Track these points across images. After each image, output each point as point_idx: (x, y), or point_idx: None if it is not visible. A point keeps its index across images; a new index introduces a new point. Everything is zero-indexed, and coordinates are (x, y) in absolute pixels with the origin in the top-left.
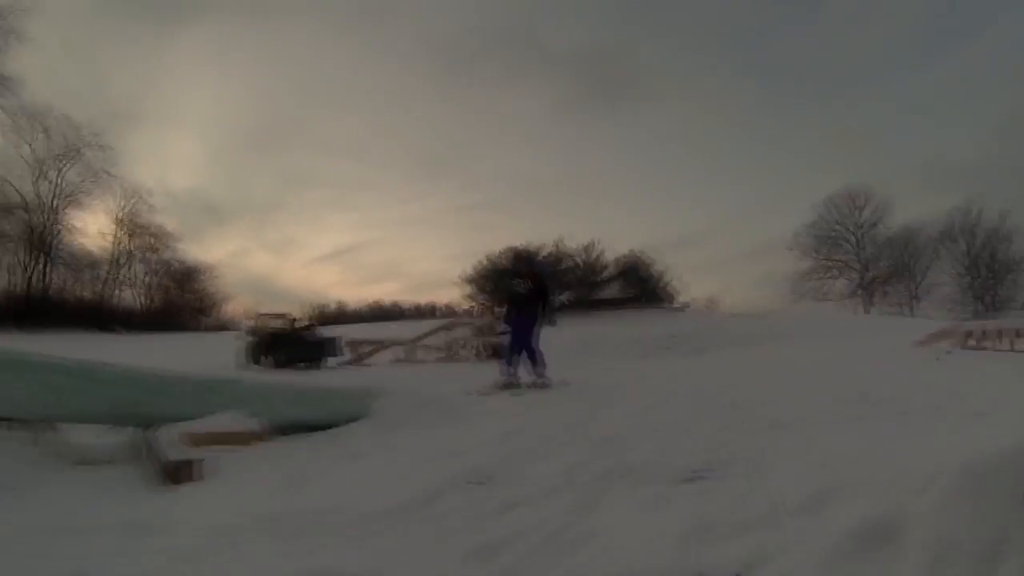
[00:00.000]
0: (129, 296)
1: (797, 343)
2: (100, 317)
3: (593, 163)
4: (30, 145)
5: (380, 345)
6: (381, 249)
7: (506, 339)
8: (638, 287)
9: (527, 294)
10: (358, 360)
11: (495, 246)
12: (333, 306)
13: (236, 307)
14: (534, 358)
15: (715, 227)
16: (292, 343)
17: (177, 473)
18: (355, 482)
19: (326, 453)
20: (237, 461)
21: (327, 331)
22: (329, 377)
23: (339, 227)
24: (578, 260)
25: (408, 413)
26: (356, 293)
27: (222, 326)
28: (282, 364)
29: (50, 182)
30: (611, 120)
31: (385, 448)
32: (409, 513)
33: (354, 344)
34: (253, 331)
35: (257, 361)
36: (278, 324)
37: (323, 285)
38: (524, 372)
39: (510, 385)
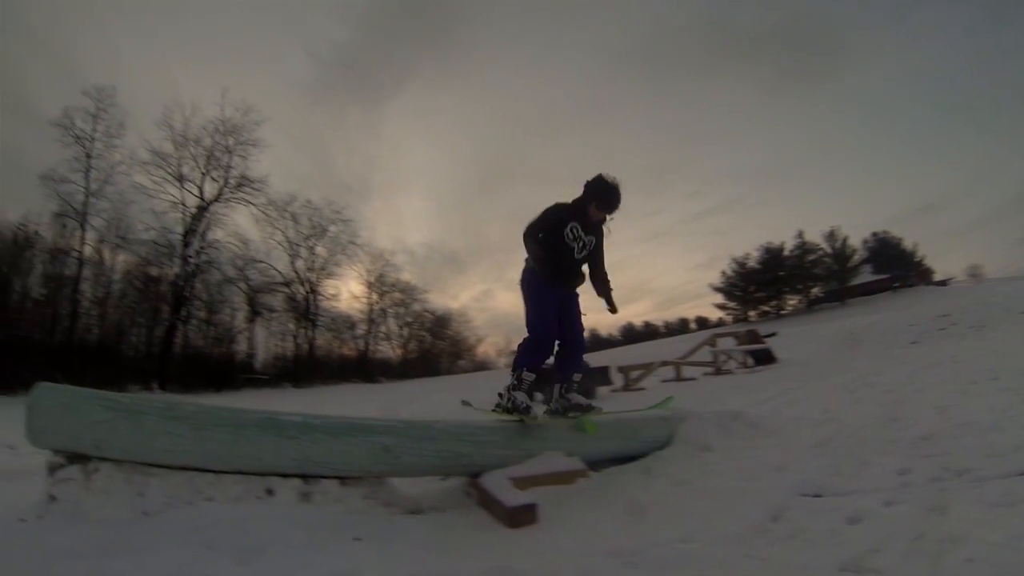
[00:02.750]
0: (386, 348)
1: None
2: (363, 370)
3: (811, 143)
4: (283, 231)
5: (649, 367)
6: (624, 270)
7: (542, 331)
8: (892, 268)
9: (582, 258)
10: (629, 386)
11: (738, 248)
12: (585, 335)
13: (489, 347)
14: (581, 363)
15: (955, 186)
16: None
17: (519, 517)
18: (691, 509)
19: (649, 483)
20: (566, 500)
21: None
22: (613, 406)
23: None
24: (825, 250)
25: (713, 433)
26: (606, 318)
27: (479, 366)
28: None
29: (304, 259)
30: (820, 93)
31: (705, 471)
32: (763, 533)
33: (624, 369)
34: None
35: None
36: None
37: None
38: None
39: (522, 409)
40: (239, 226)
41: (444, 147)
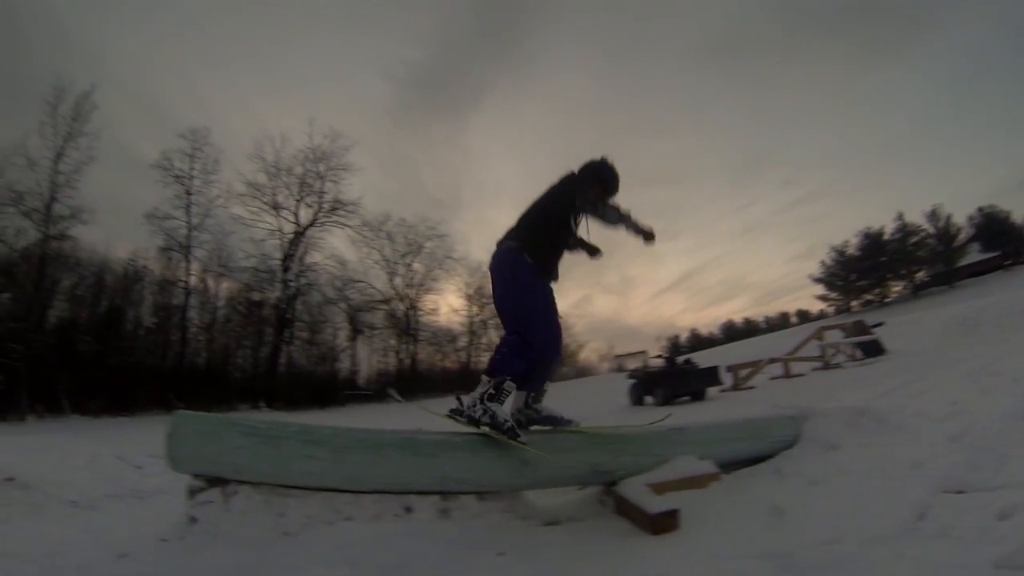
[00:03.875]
0: (488, 359)
1: None
2: (466, 381)
3: (903, 117)
4: (379, 251)
5: (757, 365)
6: (720, 267)
7: (539, 331)
8: (1002, 245)
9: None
10: (738, 385)
11: (836, 236)
12: (685, 335)
13: (591, 353)
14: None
15: None
16: (673, 378)
17: (662, 523)
18: (833, 509)
19: (782, 484)
20: (703, 504)
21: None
22: (726, 407)
23: (672, 255)
24: (928, 231)
25: (840, 430)
26: (705, 317)
27: (580, 373)
28: (666, 401)
29: (401, 276)
30: (908, 63)
31: (838, 470)
32: (911, 532)
33: (733, 369)
34: (633, 372)
35: (640, 401)
36: (656, 361)
37: (670, 316)
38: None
39: (506, 429)
40: (336, 248)
41: (531, 155)
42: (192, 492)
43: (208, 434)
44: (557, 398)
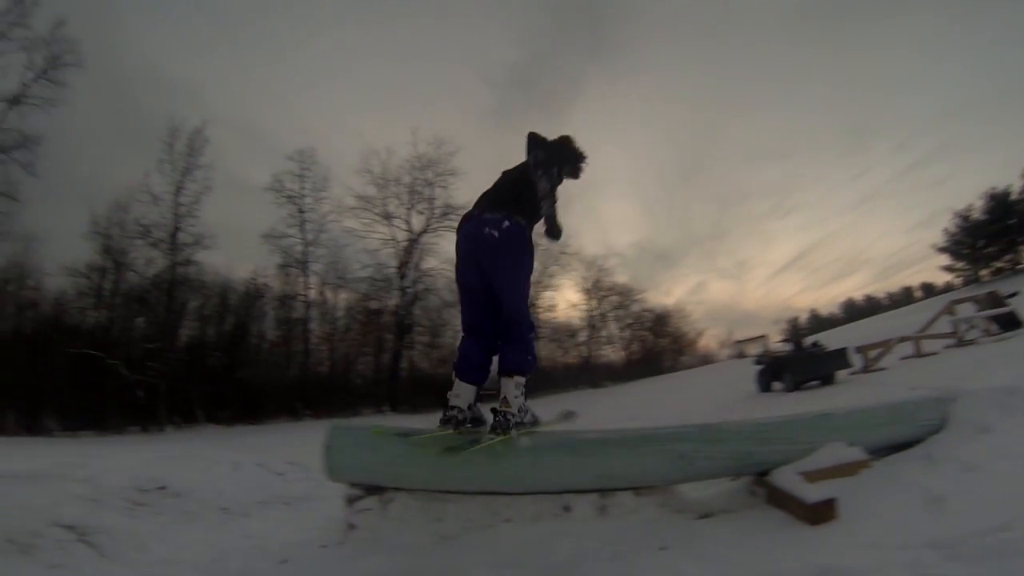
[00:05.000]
0: (608, 352)
1: None
2: (588, 376)
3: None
4: None
5: (887, 345)
6: (835, 243)
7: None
8: None
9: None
10: (869, 367)
11: (959, 200)
12: (804, 316)
13: (710, 340)
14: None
15: None
16: (801, 363)
17: (820, 513)
18: (992, 496)
19: (935, 470)
20: (855, 492)
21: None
22: (860, 391)
23: (785, 233)
24: None
25: (991, 412)
26: (823, 296)
27: (702, 361)
28: (795, 386)
29: None
30: None
31: (994, 454)
32: None
33: (862, 349)
34: (760, 358)
35: (769, 388)
36: (781, 345)
37: (787, 297)
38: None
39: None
40: (451, 252)
41: (634, 143)
42: (350, 500)
43: (366, 445)
44: (679, 389)
